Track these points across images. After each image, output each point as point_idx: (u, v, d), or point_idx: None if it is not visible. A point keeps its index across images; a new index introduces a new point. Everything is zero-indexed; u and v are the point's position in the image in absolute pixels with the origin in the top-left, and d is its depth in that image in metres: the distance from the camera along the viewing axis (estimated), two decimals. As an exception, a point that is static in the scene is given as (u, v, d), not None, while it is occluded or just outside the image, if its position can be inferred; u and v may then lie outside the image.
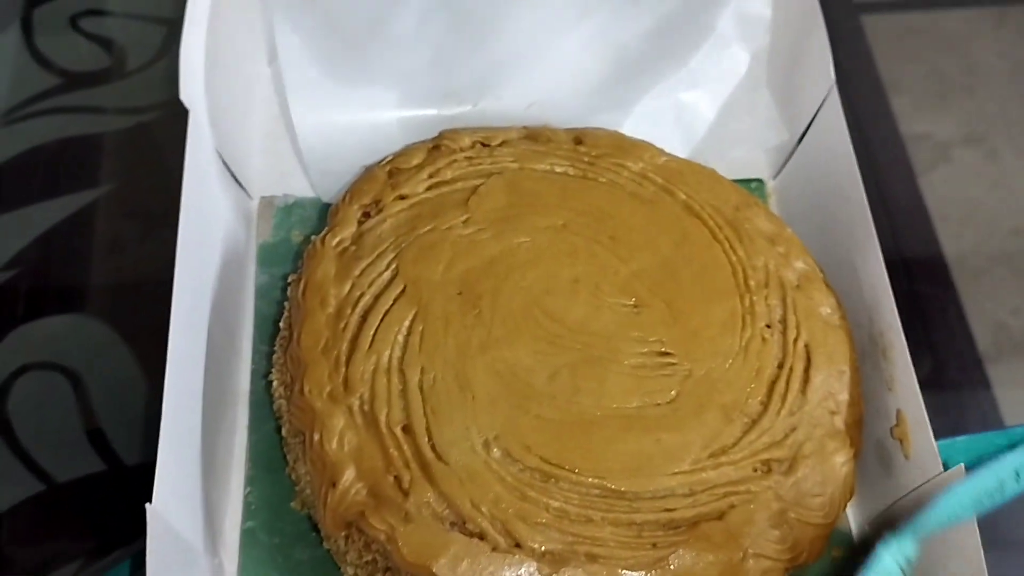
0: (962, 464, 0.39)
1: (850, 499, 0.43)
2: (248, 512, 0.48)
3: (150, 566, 0.36)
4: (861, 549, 0.46)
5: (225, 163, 0.55)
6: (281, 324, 0.48)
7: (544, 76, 0.57)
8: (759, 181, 0.58)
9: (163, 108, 0.66)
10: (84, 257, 0.60)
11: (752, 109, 0.58)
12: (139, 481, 0.37)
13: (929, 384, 0.44)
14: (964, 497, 0.37)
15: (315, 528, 0.47)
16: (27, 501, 0.52)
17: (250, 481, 0.49)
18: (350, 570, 0.44)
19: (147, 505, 0.37)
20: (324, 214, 0.55)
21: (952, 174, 0.69)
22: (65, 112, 0.66)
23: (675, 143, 0.53)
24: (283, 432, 0.47)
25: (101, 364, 0.56)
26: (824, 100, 0.53)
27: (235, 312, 0.53)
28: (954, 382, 0.57)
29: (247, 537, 0.47)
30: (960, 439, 0.42)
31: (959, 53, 0.76)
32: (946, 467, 0.41)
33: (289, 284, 0.49)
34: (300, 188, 0.58)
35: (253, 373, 0.52)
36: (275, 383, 0.47)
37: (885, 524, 0.44)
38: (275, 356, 0.48)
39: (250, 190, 0.57)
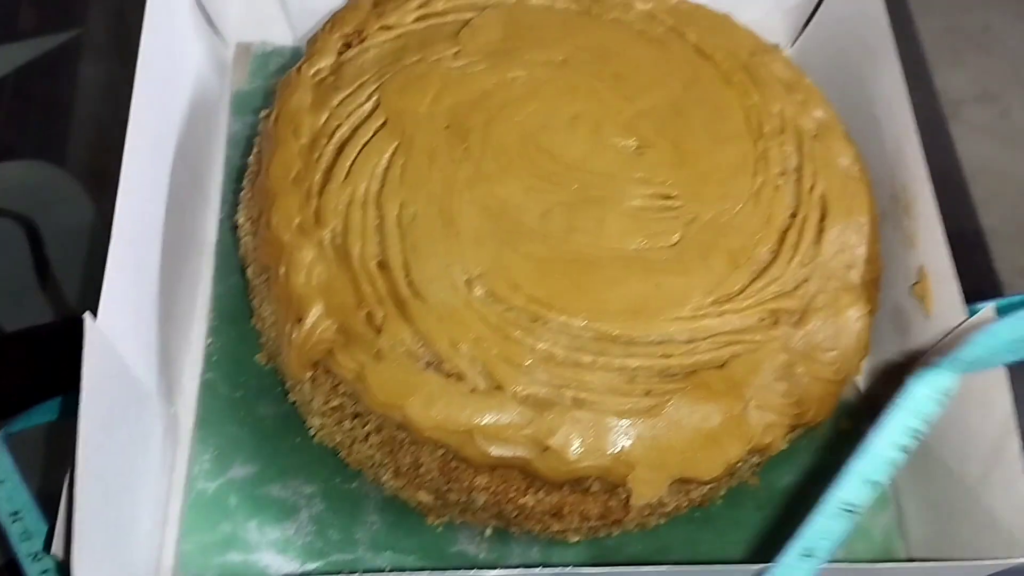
0: (992, 304, 0.36)
1: (864, 357, 0.39)
2: (208, 363, 0.44)
3: (85, 379, 0.33)
4: (867, 406, 0.43)
5: (201, 4, 0.51)
6: (251, 159, 0.44)
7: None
8: (775, 47, 0.54)
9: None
10: (46, 102, 0.56)
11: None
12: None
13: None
14: (1003, 336, 0.34)
15: (280, 383, 0.43)
16: (-28, 346, 0.48)
17: (212, 332, 0.45)
18: (316, 420, 0.41)
19: (85, 315, 0.33)
20: (304, 61, 0.51)
21: (964, 131, 0.67)
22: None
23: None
24: (248, 274, 0.43)
25: (58, 213, 0.52)
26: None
27: (204, 159, 0.49)
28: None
29: (206, 389, 0.44)
30: (986, 303, 0.38)
31: (975, 11, 0.74)
32: (972, 319, 0.37)
33: (262, 120, 0.45)
34: (279, 36, 0.54)
35: (221, 223, 0.49)
36: (241, 220, 0.43)
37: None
38: (242, 193, 0.44)
39: (226, 36, 0.53)
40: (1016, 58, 0.72)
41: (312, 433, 0.41)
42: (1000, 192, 0.64)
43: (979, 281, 0.57)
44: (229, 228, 0.48)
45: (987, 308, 0.36)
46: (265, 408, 0.43)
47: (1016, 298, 0.39)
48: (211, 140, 0.50)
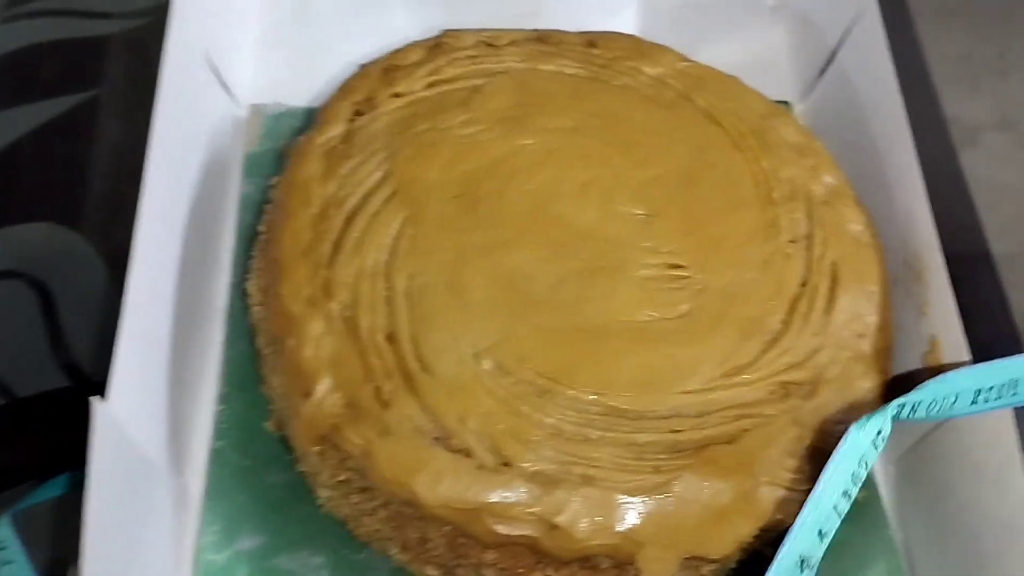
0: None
1: (877, 430, 0.39)
2: (219, 431, 0.44)
3: (93, 465, 0.32)
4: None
5: (213, 66, 0.51)
6: (260, 227, 0.45)
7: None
8: (786, 103, 0.54)
9: (156, 14, 0.62)
10: (62, 164, 0.57)
11: (779, 20, 0.54)
12: (104, 398, 0.34)
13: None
14: (962, 385, 0.33)
15: (290, 450, 0.43)
16: (-15, 415, 0.48)
17: (222, 399, 0.45)
18: (324, 492, 0.40)
19: (93, 399, 0.33)
20: (316, 123, 0.52)
21: (981, 158, 0.66)
22: (58, 15, 0.62)
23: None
24: (258, 343, 0.43)
25: (71, 277, 0.53)
26: (858, 13, 0.49)
27: (215, 222, 0.50)
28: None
29: (216, 457, 0.43)
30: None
31: (992, 37, 0.74)
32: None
33: (272, 187, 0.45)
34: (292, 97, 0.54)
35: (233, 287, 0.48)
36: (251, 289, 0.44)
37: (913, 463, 0.40)
38: (252, 261, 0.44)
39: (239, 97, 0.54)
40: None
41: (320, 503, 0.41)
42: (1019, 219, 0.64)
43: (994, 311, 0.56)
44: (240, 292, 0.48)
45: None
46: (274, 477, 0.43)
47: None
48: (223, 203, 0.50)
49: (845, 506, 0.32)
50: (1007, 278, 0.58)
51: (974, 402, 0.34)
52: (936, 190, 0.42)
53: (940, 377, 0.34)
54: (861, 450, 0.32)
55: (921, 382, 0.36)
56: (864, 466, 0.32)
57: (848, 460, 0.32)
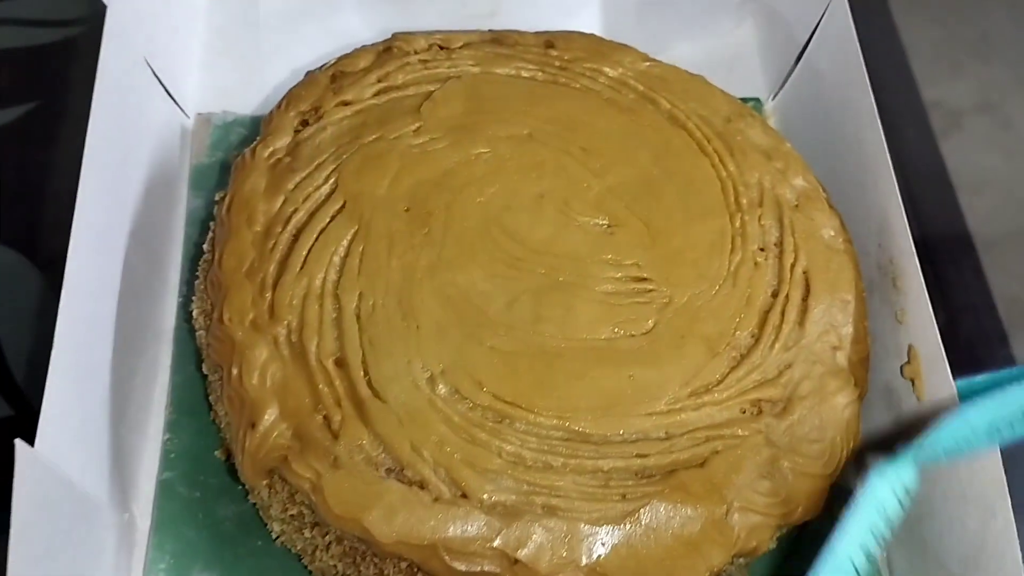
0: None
1: (853, 447, 0.37)
2: (166, 461, 0.42)
3: (17, 512, 0.30)
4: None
5: (156, 75, 0.49)
6: (205, 246, 0.42)
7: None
8: (756, 100, 0.52)
9: (91, 22, 0.60)
10: (3, 179, 0.54)
11: (747, 15, 0.52)
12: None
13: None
14: (976, 421, 0.31)
15: (241, 481, 0.41)
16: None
17: (170, 427, 0.43)
18: (276, 526, 0.38)
19: (17, 442, 0.31)
20: (266, 132, 0.49)
21: (965, 142, 0.64)
22: (4, 24, 0.60)
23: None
24: (204, 368, 0.41)
25: (14, 299, 0.50)
26: (827, 6, 0.47)
27: (161, 239, 0.47)
28: (972, 356, 0.51)
29: (163, 489, 0.41)
30: (980, 377, 0.36)
31: (973, 20, 0.72)
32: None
33: (217, 203, 0.43)
34: (241, 105, 0.52)
35: (180, 307, 0.46)
36: (195, 312, 0.41)
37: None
38: (197, 282, 0.42)
39: (185, 107, 0.51)
40: (1016, 66, 0.71)
41: (274, 536, 0.39)
42: (1003, 203, 0.62)
43: (976, 300, 0.54)
44: (188, 313, 0.45)
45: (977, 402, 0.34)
46: (225, 509, 0.41)
47: (1018, 370, 0.37)
48: (169, 218, 0.48)
49: (867, 567, 0.30)
50: (991, 263, 0.56)
51: (990, 437, 0.32)
52: (917, 178, 0.41)
53: (955, 415, 0.32)
54: (883, 505, 0.30)
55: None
56: (889, 524, 0.30)
57: (868, 514, 0.30)
